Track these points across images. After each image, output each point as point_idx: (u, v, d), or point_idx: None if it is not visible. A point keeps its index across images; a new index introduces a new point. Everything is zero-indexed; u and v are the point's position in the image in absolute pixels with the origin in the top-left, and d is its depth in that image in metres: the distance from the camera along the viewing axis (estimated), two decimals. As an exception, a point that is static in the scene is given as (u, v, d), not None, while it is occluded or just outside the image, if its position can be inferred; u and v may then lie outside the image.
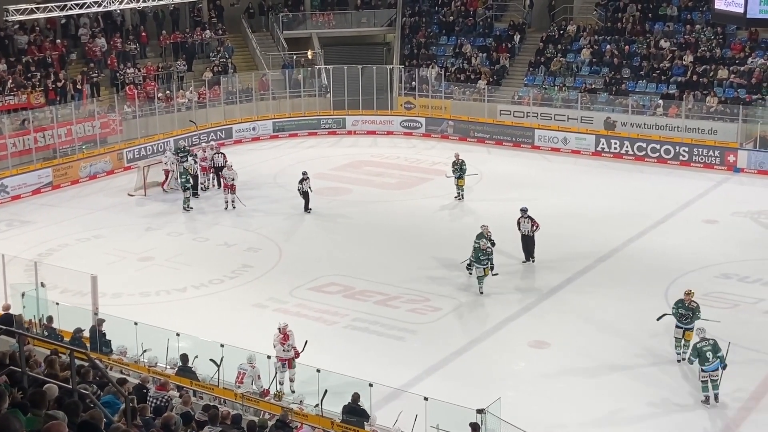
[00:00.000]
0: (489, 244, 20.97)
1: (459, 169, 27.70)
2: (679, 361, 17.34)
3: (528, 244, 22.88)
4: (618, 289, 21.00)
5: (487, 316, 19.92)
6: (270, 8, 42.61)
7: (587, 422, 15.57)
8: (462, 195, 28.02)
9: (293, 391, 15.99)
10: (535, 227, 22.63)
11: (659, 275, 21.76)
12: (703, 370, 15.77)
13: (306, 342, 16.63)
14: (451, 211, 27.33)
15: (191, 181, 27.97)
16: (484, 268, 20.92)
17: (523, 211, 22.88)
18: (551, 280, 21.72)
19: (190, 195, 27.81)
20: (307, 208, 27.20)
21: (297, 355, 16.55)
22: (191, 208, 27.70)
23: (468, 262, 21.59)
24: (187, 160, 29.65)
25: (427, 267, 22.77)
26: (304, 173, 27.24)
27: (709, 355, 15.61)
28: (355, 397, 14.13)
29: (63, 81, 33.56)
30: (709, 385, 15.74)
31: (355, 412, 14.05)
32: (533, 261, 22.86)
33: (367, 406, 14.14)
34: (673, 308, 17.47)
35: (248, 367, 15.52)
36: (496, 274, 21.20)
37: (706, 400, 15.80)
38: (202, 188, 29.63)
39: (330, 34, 42.88)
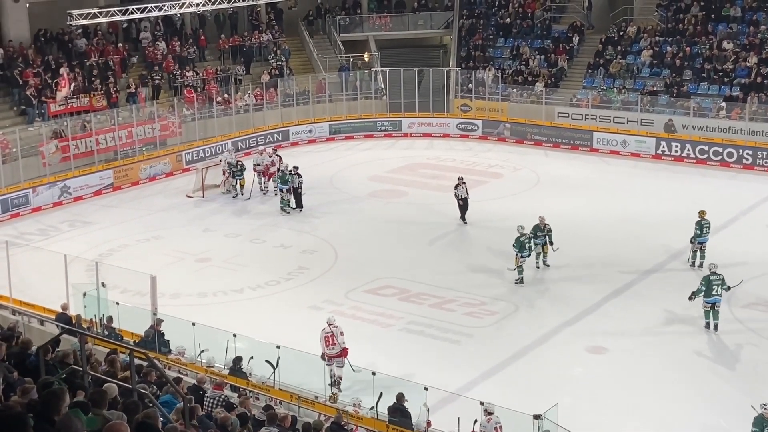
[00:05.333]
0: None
1: (545, 235, 22.55)
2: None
3: None
4: (677, 295, 20.58)
5: (544, 321, 19.70)
6: (327, 11, 42.80)
7: (645, 430, 15.33)
8: (546, 262, 22.72)
9: (333, 386, 16.19)
10: None
11: (721, 281, 21.33)
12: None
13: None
14: (508, 213, 27.05)
15: (287, 182, 27.68)
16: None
17: None
18: (609, 284, 21.41)
19: (288, 197, 27.68)
20: (463, 217, 26.20)
21: (344, 352, 16.49)
22: (288, 210, 27.71)
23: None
24: (242, 175, 29.41)
25: (483, 270, 22.62)
26: (460, 178, 26.30)
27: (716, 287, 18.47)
28: (399, 396, 14.17)
29: (117, 85, 34.11)
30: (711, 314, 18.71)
31: (399, 412, 14.05)
32: None
33: (421, 409, 14.09)
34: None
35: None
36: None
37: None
38: (262, 193, 29.75)
39: (387, 36, 42.91)
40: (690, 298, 18.92)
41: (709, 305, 18.63)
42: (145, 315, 17.65)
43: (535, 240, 22.29)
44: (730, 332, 18.75)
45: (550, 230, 22.49)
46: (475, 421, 13.41)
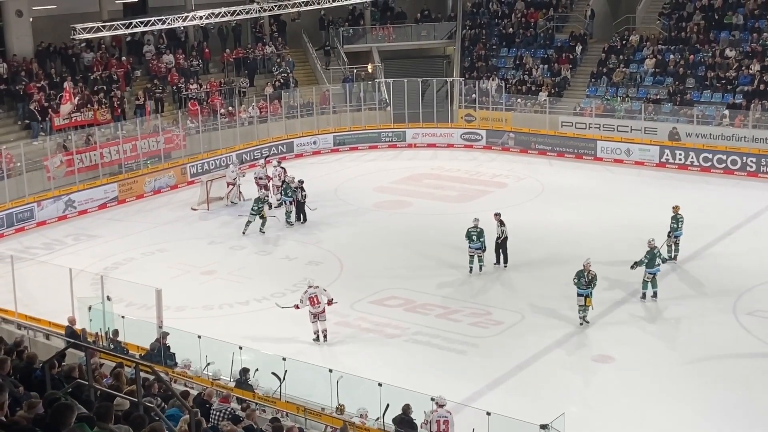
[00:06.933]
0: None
1: (588, 284, 19.47)
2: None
3: None
4: (683, 303, 20.59)
5: (550, 330, 19.64)
6: (330, 23, 42.91)
7: (654, 439, 15.29)
8: (585, 318, 19.69)
9: (325, 339, 18.95)
10: None
11: (726, 289, 21.32)
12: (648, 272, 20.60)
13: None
14: (512, 223, 27.02)
15: (289, 195, 27.62)
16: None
17: None
18: (615, 293, 21.37)
19: (292, 209, 27.67)
20: (498, 261, 23.34)
21: (329, 303, 19.05)
22: (292, 222, 27.67)
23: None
24: (262, 209, 27.38)
25: (488, 280, 22.61)
26: (497, 215, 23.48)
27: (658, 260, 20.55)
28: (406, 408, 14.12)
29: (122, 98, 34.17)
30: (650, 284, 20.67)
31: (405, 423, 14.02)
32: None
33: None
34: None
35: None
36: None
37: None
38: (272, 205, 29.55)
39: (390, 47, 42.98)
40: (632, 267, 20.76)
41: (651, 275, 20.60)
42: (150, 328, 17.64)
43: (578, 290, 19.48)
44: (736, 340, 18.71)
45: (594, 278, 19.47)
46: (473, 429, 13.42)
